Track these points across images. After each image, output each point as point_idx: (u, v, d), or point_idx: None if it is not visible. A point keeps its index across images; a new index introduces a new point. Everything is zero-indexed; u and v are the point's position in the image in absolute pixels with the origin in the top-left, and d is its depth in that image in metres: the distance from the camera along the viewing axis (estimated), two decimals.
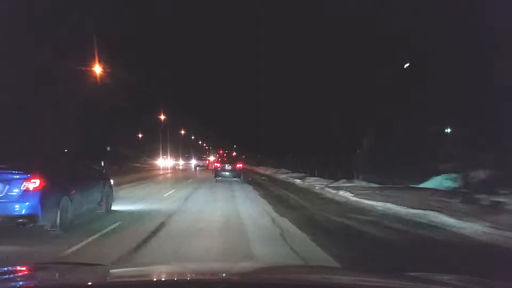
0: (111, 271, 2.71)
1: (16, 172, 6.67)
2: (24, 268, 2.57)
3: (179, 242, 6.62)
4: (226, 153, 28.61)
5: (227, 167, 22.97)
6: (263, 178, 27.26)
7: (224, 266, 3.33)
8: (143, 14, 57.65)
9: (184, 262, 4.68)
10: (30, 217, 6.57)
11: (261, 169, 40.76)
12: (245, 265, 3.26)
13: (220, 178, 22.58)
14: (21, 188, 6.59)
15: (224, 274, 2.54)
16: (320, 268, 4.10)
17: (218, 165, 23.66)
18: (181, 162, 65.27)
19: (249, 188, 18.40)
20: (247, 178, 25.07)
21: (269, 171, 34.63)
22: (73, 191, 7.60)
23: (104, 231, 7.36)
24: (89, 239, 6.66)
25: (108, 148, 27.21)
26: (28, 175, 6.66)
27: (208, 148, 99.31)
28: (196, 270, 2.73)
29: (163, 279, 2.35)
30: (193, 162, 60.62)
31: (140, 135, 56.15)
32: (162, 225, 8.11)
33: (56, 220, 6.89)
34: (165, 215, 9.27)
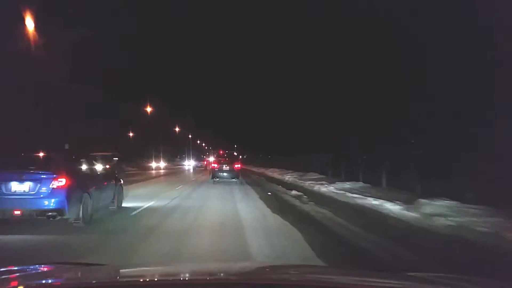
0: (111, 271, 2.75)
1: (46, 172, 7.79)
2: (24, 268, 2.59)
3: None
4: (226, 153, 27.26)
5: (225, 167, 22.40)
6: (295, 193, 15.14)
7: (223, 266, 3.39)
8: (143, 13, 58.59)
9: (184, 262, 4.96)
10: (58, 211, 7.69)
11: (275, 173, 31.36)
12: (245, 265, 3.33)
13: (217, 179, 22.06)
14: (50, 186, 7.71)
15: (222, 274, 2.57)
16: (320, 268, 4.17)
17: (216, 165, 23.02)
18: (161, 164, 55.77)
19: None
20: (265, 192, 16.42)
21: (290, 177, 25.11)
22: (92, 189, 8.73)
23: None
24: None
25: (67, 146, 25.79)
26: (56, 175, 7.78)
27: (208, 148, 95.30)
28: (196, 270, 2.78)
29: (162, 279, 2.37)
30: (187, 163, 57.90)
31: (131, 134, 50.72)
32: None
33: (79, 214, 8.01)
34: None
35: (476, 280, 2.46)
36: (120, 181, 11.18)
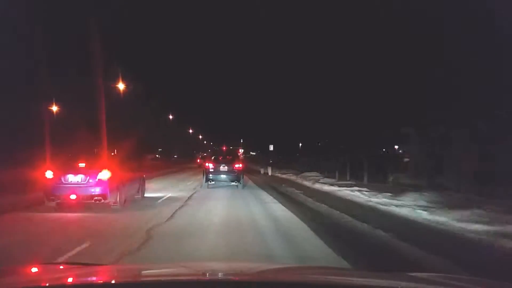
0: (111, 271, 2.82)
1: (94, 168, 10.59)
2: (24, 268, 2.66)
3: None
4: (230, 149, 23.16)
5: (223, 167, 18.18)
6: None
7: (224, 265, 3.48)
8: (144, 13, 59.51)
9: (187, 262, 5.15)
10: (102, 196, 10.47)
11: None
12: (245, 265, 3.42)
13: (213, 182, 18.24)
14: (97, 178, 10.50)
15: (222, 274, 2.57)
16: (320, 268, 4.20)
17: (211, 165, 18.35)
18: None
19: None
20: None
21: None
22: (125, 180, 11.51)
23: None
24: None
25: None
26: (101, 170, 10.57)
27: (210, 144, 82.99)
28: (198, 270, 2.79)
29: (162, 279, 2.39)
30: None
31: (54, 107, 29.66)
32: None
33: (117, 199, 10.80)
34: None
35: (476, 280, 2.52)
36: (143, 175, 13.97)
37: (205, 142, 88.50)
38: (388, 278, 2.46)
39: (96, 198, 10.49)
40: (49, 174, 10.54)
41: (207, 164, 18.71)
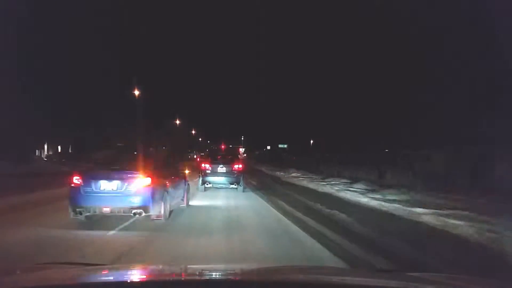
0: (111, 271, 2.79)
1: (132, 172, 8.27)
2: (24, 269, 2.66)
3: None
4: (230, 148, 21.16)
5: (221, 168, 16.34)
6: None
7: (226, 266, 3.46)
8: (144, 12, 58.09)
9: (186, 262, 5.00)
10: (144, 208, 8.14)
11: None
12: (246, 266, 3.37)
13: (210, 185, 16.32)
14: (137, 185, 8.18)
15: (220, 274, 2.59)
16: (320, 268, 4.16)
17: (208, 165, 16.45)
18: None
19: None
20: None
21: None
22: (169, 187, 9.18)
23: None
24: None
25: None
26: (141, 175, 8.24)
27: (207, 142, 78.37)
28: (199, 270, 2.77)
29: (162, 279, 2.38)
30: None
31: None
32: None
33: (161, 210, 8.47)
34: None
35: (476, 280, 2.52)
36: (187, 178, 11.63)
37: (200, 139, 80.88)
38: (388, 278, 2.48)
39: (135, 210, 8.17)
40: (76, 179, 8.29)
41: (203, 165, 16.72)
